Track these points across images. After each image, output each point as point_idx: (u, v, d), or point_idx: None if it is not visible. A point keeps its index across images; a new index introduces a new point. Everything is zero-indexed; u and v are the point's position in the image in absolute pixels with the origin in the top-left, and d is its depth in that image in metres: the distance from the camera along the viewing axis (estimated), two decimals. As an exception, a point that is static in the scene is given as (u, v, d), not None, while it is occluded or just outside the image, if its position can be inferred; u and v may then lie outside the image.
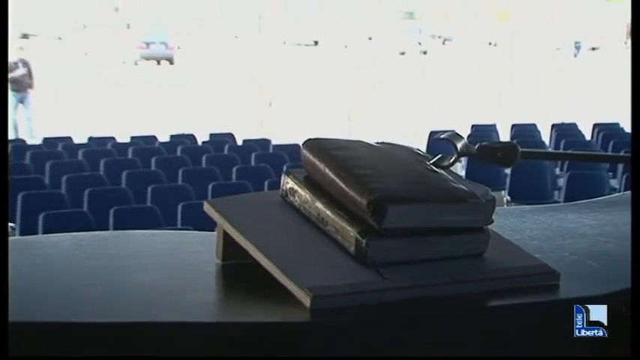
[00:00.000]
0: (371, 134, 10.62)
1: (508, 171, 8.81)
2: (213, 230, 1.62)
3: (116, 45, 29.39)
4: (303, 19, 34.29)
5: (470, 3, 33.36)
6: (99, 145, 10.86)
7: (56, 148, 10.65)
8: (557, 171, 9.70)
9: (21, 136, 13.51)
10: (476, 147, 1.57)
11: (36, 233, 6.61)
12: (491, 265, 1.47)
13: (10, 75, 14.13)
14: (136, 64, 29.23)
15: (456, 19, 35.14)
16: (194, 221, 6.52)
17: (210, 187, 7.99)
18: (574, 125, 12.72)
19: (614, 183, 8.95)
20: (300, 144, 1.58)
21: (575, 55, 32.22)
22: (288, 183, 1.55)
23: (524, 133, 11.96)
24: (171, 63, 29.56)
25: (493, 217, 1.48)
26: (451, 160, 1.53)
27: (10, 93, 14.18)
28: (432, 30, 35.23)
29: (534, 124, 12.70)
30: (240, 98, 19.59)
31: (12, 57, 14.47)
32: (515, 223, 1.80)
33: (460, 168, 8.06)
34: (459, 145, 1.55)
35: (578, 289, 1.47)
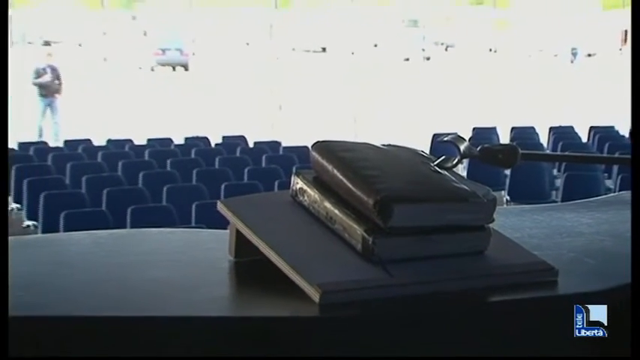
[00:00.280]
0: (376, 137, 10.62)
1: (508, 172, 8.80)
2: (225, 228, 1.62)
3: (133, 51, 29.44)
4: (312, 27, 34.31)
5: (471, 11, 33.34)
6: (117, 147, 10.87)
7: (76, 150, 10.67)
8: (555, 172, 9.69)
9: (45, 139, 13.48)
10: (478, 149, 1.57)
11: (57, 231, 6.63)
12: (493, 262, 1.47)
13: (38, 80, 14.12)
14: (152, 69, 29.27)
15: (458, 27, 35.13)
16: (207, 220, 6.52)
17: (222, 187, 8.00)
18: (571, 128, 12.70)
19: (609, 183, 8.94)
20: (309, 146, 1.58)
21: (572, 61, 32.17)
22: (297, 183, 1.54)
23: (523, 135, 11.94)
24: (186, 69, 29.59)
25: (494, 216, 1.48)
26: (454, 162, 1.53)
27: (38, 98, 14.18)
28: (435, 37, 35.22)
29: (533, 127, 12.69)
30: (251, 102, 19.61)
31: (40, 63, 14.45)
32: (515, 222, 1.79)
33: (462, 169, 8.06)
34: (462, 147, 1.55)
35: (576, 285, 1.47)
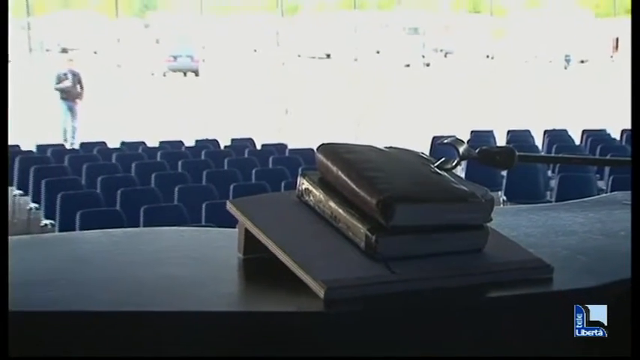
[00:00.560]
0: (378, 139, 10.62)
1: (504, 173, 8.78)
2: (234, 227, 1.62)
3: (146, 58, 29.45)
4: (317, 35, 34.30)
5: (469, 20, 33.30)
6: (131, 150, 10.88)
7: (92, 151, 10.67)
8: (550, 173, 9.66)
9: (63, 141, 13.46)
10: (476, 151, 1.56)
11: (74, 229, 6.63)
12: (490, 259, 1.46)
13: (59, 86, 14.11)
14: (164, 75, 29.27)
15: (457, 35, 35.08)
16: (217, 219, 6.52)
17: (231, 187, 7.99)
18: (564, 131, 12.67)
19: (601, 184, 8.92)
20: (314, 148, 1.58)
21: (566, 68, 32.12)
22: (303, 184, 1.54)
23: (519, 138, 11.92)
24: (197, 75, 29.59)
25: (492, 215, 1.48)
26: (454, 163, 1.53)
27: (60, 101, 14.17)
28: (435, 44, 35.16)
29: (528, 130, 12.67)
30: (259, 106, 19.60)
31: (62, 69, 14.43)
32: (511, 221, 1.79)
33: (460, 170, 8.03)
34: (461, 150, 1.55)
35: (570, 282, 1.46)
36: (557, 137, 12.05)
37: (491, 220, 1.47)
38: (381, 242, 1.39)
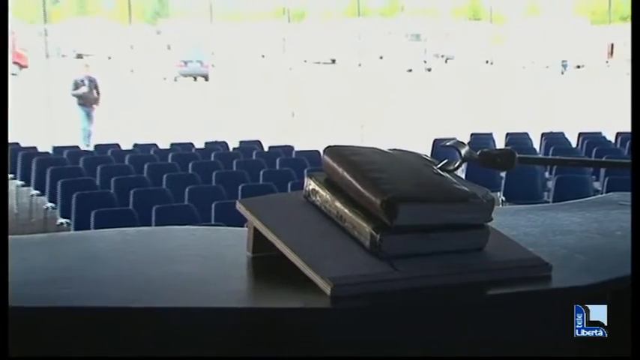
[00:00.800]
0: (382, 141, 10.60)
1: (503, 174, 8.76)
2: (242, 226, 1.62)
3: (158, 63, 29.47)
4: (322, 41, 34.29)
5: (469, 26, 33.27)
6: (143, 151, 10.88)
7: (106, 153, 10.68)
8: (547, 174, 9.64)
9: (85, 146, 13.43)
10: (477, 153, 1.56)
11: (88, 228, 6.63)
12: (491, 257, 1.46)
13: (75, 92, 14.09)
14: (175, 80, 29.28)
15: (457, 41, 35.05)
16: (226, 218, 6.52)
17: (240, 188, 7.99)
18: (561, 134, 12.64)
19: (597, 185, 8.89)
20: (320, 150, 1.58)
21: (563, 72, 32.05)
22: (310, 185, 1.54)
23: (518, 140, 11.90)
24: (207, 79, 29.57)
25: (492, 215, 1.47)
26: (456, 165, 1.53)
27: (77, 107, 14.15)
28: (436, 50, 35.12)
29: (526, 133, 12.63)
30: (266, 109, 19.60)
31: (79, 75, 14.40)
32: (511, 221, 1.78)
33: (461, 171, 8.00)
34: (463, 152, 1.54)
35: (568, 279, 1.46)
36: (554, 140, 12.03)
37: (491, 219, 1.47)
38: (385, 241, 1.39)
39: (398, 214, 1.38)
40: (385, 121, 17.40)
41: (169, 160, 9.98)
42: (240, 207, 1.54)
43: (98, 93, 14.32)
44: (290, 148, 11.36)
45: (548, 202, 7.98)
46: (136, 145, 11.49)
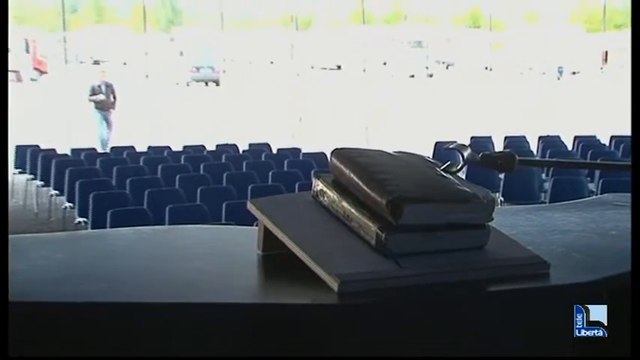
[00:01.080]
0: (385, 144, 10.58)
1: (502, 175, 8.74)
2: (251, 225, 1.61)
3: (171, 69, 29.50)
4: (328, 48, 34.28)
5: (469, 34, 33.24)
6: (157, 153, 10.88)
7: (121, 155, 10.69)
8: (544, 176, 9.62)
9: (101, 149, 13.43)
10: (479, 155, 1.55)
11: (105, 227, 6.64)
12: (491, 255, 1.46)
13: (92, 98, 14.08)
14: (187, 85, 29.31)
15: (458, 48, 35.01)
16: (236, 217, 6.51)
17: (249, 188, 7.98)
18: (558, 137, 12.62)
19: (591, 186, 8.87)
20: (325, 152, 1.58)
21: (559, 78, 32.01)
22: (318, 185, 1.54)
23: (516, 143, 11.88)
24: (218, 84, 29.58)
25: (493, 215, 1.47)
26: (459, 167, 1.52)
27: (94, 111, 14.15)
28: (437, 56, 35.11)
29: (524, 136, 12.61)
30: (275, 113, 19.61)
31: (96, 81, 14.40)
32: (511, 221, 1.78)
33: (461, 173, 7.97)
34: (466, 154, 1.54)
35: (565, 277, 1.45)
36: (550, 143, 12.00)
37: (492, 219, 1.47)
38: (390, 239, 1.38)
39: (403, 214, 1.38)
40: (388, 125, 17.39)
41: (182, 162, 9.98)
42: (251, 207, 1.54)
43: (115, 98, 14.31)
44: (297, 150, 11.36)
45: (544, 203, 7.96)
46: (150, 148, 11.50)
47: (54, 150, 10.99)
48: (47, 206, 9.64)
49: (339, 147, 1.57)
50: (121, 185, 8.51)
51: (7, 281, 1.32)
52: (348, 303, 1.32)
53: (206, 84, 29.70)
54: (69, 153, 11.16)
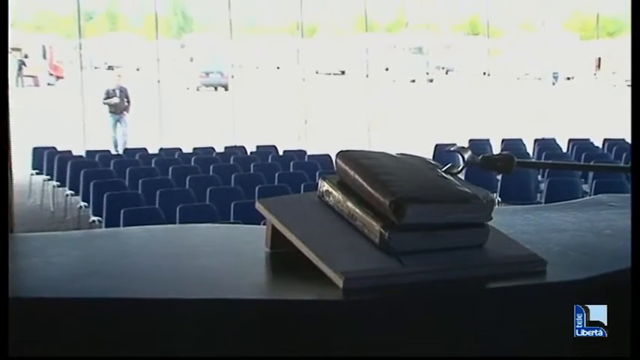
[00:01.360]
0: (387, 147, 10.57)
1: (499, 176, 8.72)
2: (259, 224, 1.61)
3: (182, 75, 29.52)
4: (333, 54, 34.29)
5: (468, 40, 33.23)
6: (168, 155, 10.89)
7: (134, 157, 10.70)
8: (539, 177, 9.60)
9: (119, 148, 13.43)
10: (479, 158, 1.55)
11: (118, 225, 6.64)
12: (491, 254, 1.45)
13: (107, 101, 14.09)
14: (197, 90, 29.34)
15: (457, 54, 34.99)
16: (244, 216, 6.51)
17: (257, 189, 7.98)
18: (553, 140, 12.60)
19: (585, 187, 8.85)
20: (330, 154, 1.58)
21: (554, 84, 31.97)
22: (324, 186, 1.54)
23: (513, 146, 11.86)
24: (226, 89, 29.54)
25: (492, 214, 1.47)
26: (459, 169, 1.52)
27: (108, 114, 14.16)
28: (437, 62, 35.09)
29: (520, 139, 12.60)
30: (281, 117, 19.62)
31: (111, 85, 14.41)
32: (509, 220, 1.77)
33: (460, 174, 7.95)
34: (466, 156, 1.53)
35: (562, 274, 1.45)
36: (546, 145, 11.99)
37: (491, 219, 1.46)
38: (393, 238, 1.38)
39: (405, 214, 1.38)
40: (390, 128, 17.38)
41: (192, 163, 9.99)
42: (259, 206, 1.54)
43: (129, 102, 14.34)
44: (303, 152, 11.35)
45: (540, 203, 7.94)
46: (161, 150, 11.51)
47: (70, 152, 11.01)
48: (63, 205, 9.65)
49: (344, 149, 1.57)
50: (133, 185, 8.52)
51: (7, 282, 1.30)
52: (352, 299, 1.31)
53: (215, 89, 29.72)
54: (84, 155, 11.17)
